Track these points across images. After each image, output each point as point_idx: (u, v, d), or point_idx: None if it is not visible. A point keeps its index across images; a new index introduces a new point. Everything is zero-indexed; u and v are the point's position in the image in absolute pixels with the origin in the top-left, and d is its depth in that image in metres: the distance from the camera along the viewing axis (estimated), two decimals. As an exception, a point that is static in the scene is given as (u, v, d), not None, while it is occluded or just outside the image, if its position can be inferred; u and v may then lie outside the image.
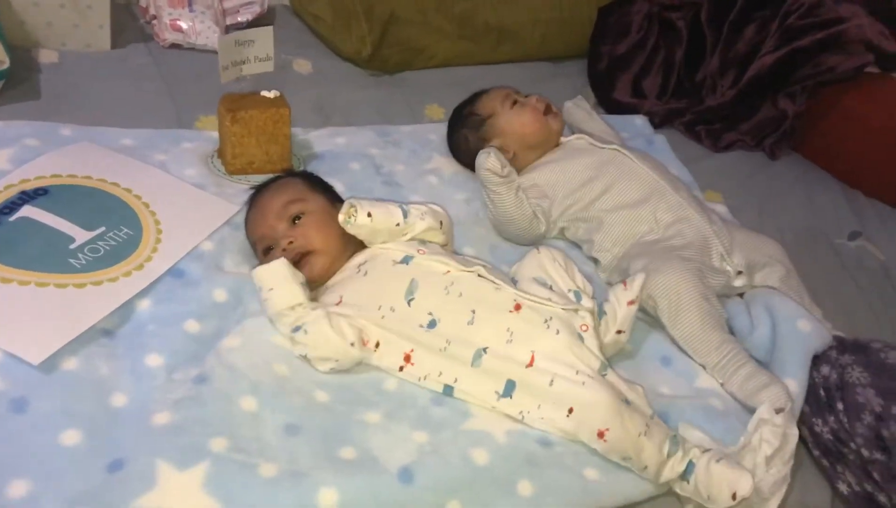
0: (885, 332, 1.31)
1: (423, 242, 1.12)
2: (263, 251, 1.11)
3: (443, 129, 1.50)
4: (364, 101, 1.63)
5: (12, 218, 1.08)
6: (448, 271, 1.05)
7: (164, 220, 1.16)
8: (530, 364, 0.97)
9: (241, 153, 1.30)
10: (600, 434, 0.92)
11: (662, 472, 0.94)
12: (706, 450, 0.96)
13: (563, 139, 1.44)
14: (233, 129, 1.27)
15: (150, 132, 1.37)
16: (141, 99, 1.47)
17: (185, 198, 1.22)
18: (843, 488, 1.04)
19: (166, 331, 1.00)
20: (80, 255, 1.05)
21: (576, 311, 1.03)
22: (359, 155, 1.43)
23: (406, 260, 1.07)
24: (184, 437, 0.87)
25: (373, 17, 1.70)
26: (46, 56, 1.51)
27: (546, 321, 1.01)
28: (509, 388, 0.97)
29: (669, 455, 0.94)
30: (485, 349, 0.98)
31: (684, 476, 0.95)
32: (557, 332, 1.00)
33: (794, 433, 1.00)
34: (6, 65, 1.35)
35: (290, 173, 1.25)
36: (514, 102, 1.41)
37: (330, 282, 1.09)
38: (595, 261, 1.32)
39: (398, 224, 1.09)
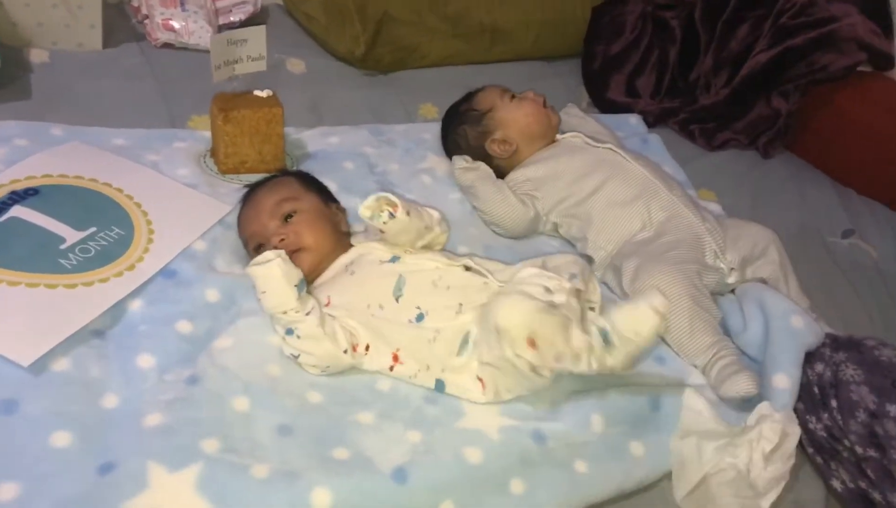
0: (879, 329, 1.31)
1: None
2: (255, 249, 1.11)
3: (437, 128, 1.50)
4: (357, 100, 1.63)
5: (2, 218, 1.07)
6: (436, 267, 1.06)
7: (156, 220, 1.15)
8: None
9: (234, 153, 1.29)
10: (531, 343, 0.89)
11: (593, 354, 0.90)
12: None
13: (558, 136, 1.44)
14: (225, 128, 1.27)
15: (142, 132, 1.36)
16: (133, 99, 1.46)
17: (177, 198, 1.21)
18: (836, 485, 1.04)
19: (158, 332, 1.00)
20: (70, 255, 1.05)
21: (556, 279, 1.03)
22: (352, 154, 1.42)
23: (394, 259, 1.07)
24: (175, 438, 0.86)
25: (366, 17, 1.70)
26: (37, 56, 1.51)
27: (514, 281, 1.02)
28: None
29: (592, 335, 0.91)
30: (469, 334, 0.99)
31: (606, 342, 0.91)
32: (522, 280, 1.01)
33: (796, 431, 1.00)
34: (-4, 64, 1.35)
35: (284, 173, 1.25)
36: (512, 97, 1.42)
37: (318, 282, 1.09)
38: (589, 259, 1.32)
39: (426, 226, 1.10)
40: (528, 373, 0.92)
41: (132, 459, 0.84)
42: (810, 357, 1.10)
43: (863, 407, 1.01)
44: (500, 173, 1.40)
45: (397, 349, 1.00)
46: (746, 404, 1.06)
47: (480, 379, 0.98)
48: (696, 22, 1.83)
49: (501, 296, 0.95)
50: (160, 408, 0.90)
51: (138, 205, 1.17)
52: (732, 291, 1.25)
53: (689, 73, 1.84)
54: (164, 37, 1.63)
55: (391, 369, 1.01)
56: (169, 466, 0.83)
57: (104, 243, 1.08)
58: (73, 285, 1.01)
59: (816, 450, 1.06)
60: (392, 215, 1.05)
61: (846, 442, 1.02)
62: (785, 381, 1.06)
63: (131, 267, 1.06)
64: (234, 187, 1.27)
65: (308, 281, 1.09)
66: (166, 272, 1.08)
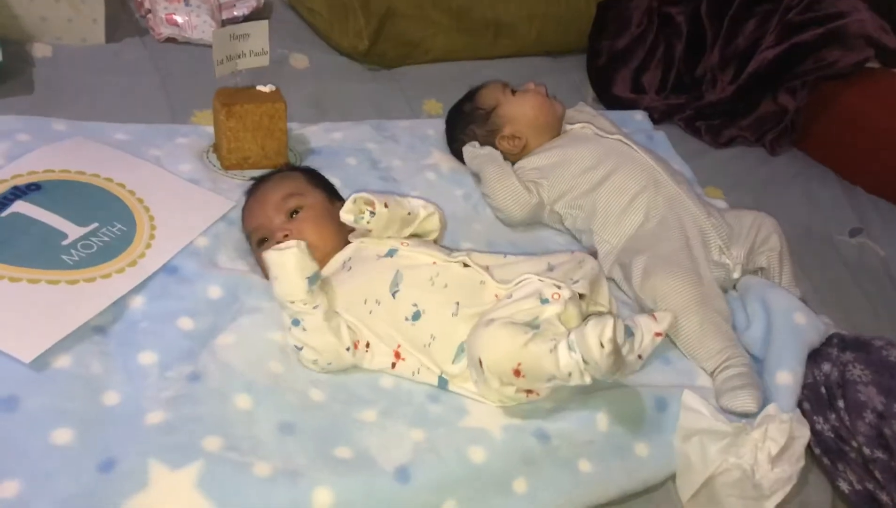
0: (886, 329, 1.30)
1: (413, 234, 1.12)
2: (258, 243, 1.10)
3: (441, 124, 1.49)
4: (361, 95, 1.62)
5: (4, 214, 1.07)
6: (434, 262, 1.05)
7: (159, 215, 1.14)
8: None
9: (237, 148, 1.29)
10: (516, 373, 0.89)
11: (559, 363, 0.87)
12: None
13: (567, 126, 1.44)
14: (228, 123, 1.26)
15: (145, 127, 1.35)
16: (135, 93, 1.45)
17: (179, 193, 1.21)
18: (844, 486, 1.03)
19: (160, 328, 0.99)
20: (72, 251, 1.04)
21: (556, 286, 0.99)
22: (356, 150, 1.42)
23: (391, 253, 1.06)
24: (177, 436, 0.86)
25: (369, 12, 1.69)
26: (40, 50, 1.50)
27: (511, 293, 1.00)
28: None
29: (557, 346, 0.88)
30: (464, 344, 0.97)
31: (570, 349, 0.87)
32: (515, 300, 0.97)
33: (805, 433, 1.00)
34: (-1, 59, 1.34)
35: (291, 168, 1.24)
36: (514, 91, 1.41)
37: None
38: (595, 252, 1.31)
39: (409, 213, 1.11)
40: (519, 397, 0.93)
41: (133, 457, 0.83)
42: (817, 357, 1.10)
43: (870, 408, 1.00)
44: (514, 161, 1.40)
45: (398, 346, 0.99)
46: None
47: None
48: (703, 17, 1.81)
49: (481, 328, 0.92)
50: (161, 405, 0.89)
51: (140, 201, 1.16)
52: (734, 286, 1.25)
53: (695, 69, 1.83)
54: (167, 31, 1.62)
55: (393, 366, 1.00)
56: (170, 464, 0.83)
57: (106, 238, 1.08)
58: (75, 282, 1.00)
59: (823, 451, 1.05)
60: (373, 213, 1.05)
61: (854, 443, 1.01)
62: (788, 378, 1.06)
63: (133, 263, 1.06)
64: (236, 183, 1.26)
65: None
66: (168, 269, 1.07)
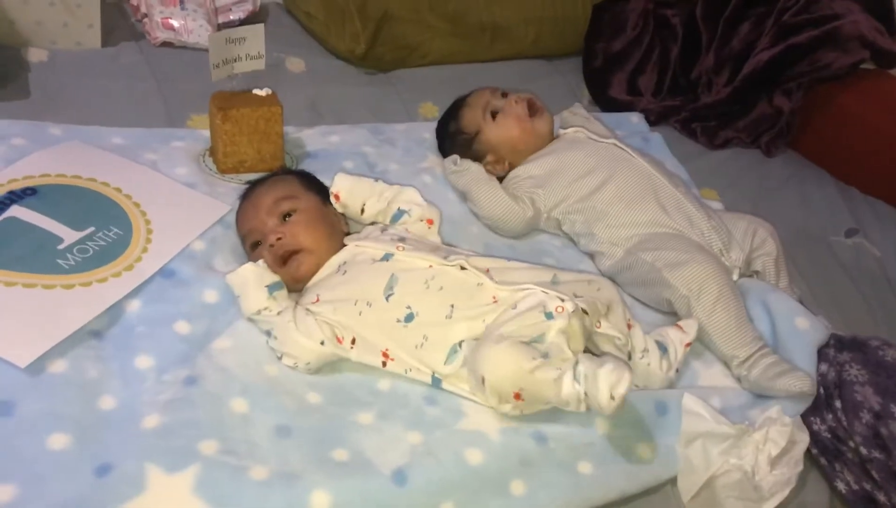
0: (883, 329, 1.30)
1: (403, 238, 1.10)
2: (251, 246, 1.10)
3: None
4: (357, 99, 1.62)
5: (0, 218, 1.06)
6: (430, 266, 1.04)
7: (155, 219, 1.14)
8: None
9: (233, 152, 1.29)
10: (517, 396, 0.90)
11: (561, 392, 0.88)
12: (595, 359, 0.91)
13: (561, 131, 1.43)
14: (224, 127, 1.26)
15: (141, 131, 1.35)
16: (131, 98, 1.45)
17: (175, 197, 1.21)
18: (841, 487, 1.03)
19: (156, 332, 0.99)
20: (68, 255, 1.04)
21: (560, 298, 0.98)
22: (352, 153, 1.41)
23: (386, 257, 1.06)
24: (173, 440, 0.86)
25: (366, 15, 1.69)
26: (36, 55, 1.50)
27: (515, 303, 0.98)
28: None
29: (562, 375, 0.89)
30: (460, 344, 0.97)
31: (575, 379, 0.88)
32: (520, 313, 0.96)
33: (805, 438, 1.00)
34: (-6, 64, 1.34)
35: (285, 171, 1.24)
36: (494, 113, 1.39)
37: (310, 282, 1.08)
38: (592, 257, 1.31)
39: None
40: (514, 412, 0.94)
41: (130, 461, 0.83)
42: (813, 357, 1.10)
43: (867, 408, 1.00)
44: (501, 178, 1.39)
45: (385, 349, 0.99)
46: (749, 404, 1.05)
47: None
48: (698, 20, 1.82)
49: (489, 345, 0.92)
50: (158, 409, 0.89)
51: (137, 205, 1.16)
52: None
53: (690, 71, 1.83)
54: (163, 35, 1.62)
55: (384, 364, 1.00)
56: (167, 468, 0.83)
57: (102, 243, 1.07)
58: (71, 286, 1.00)
59: (820, 451, 1.05)
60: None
61: (851, 444, 1.01)
62: None
63: (129, 267, 1.05)
64: (232, 187, 1.26)
65: (306, 282, 1.08)
66: (165, 272, 1.07)
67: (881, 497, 1.00)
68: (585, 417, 0.97)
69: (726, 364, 1.13)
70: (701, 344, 1.15)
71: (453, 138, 1.42)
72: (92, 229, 1.09)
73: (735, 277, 1.23)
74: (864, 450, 0.99)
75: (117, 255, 1.06)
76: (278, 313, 0.99)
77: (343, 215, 1.19)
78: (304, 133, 1.45)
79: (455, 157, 1.37)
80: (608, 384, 0.84)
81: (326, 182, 1.23)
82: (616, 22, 1.87)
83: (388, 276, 1.02)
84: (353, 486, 0.85)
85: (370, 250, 1.08)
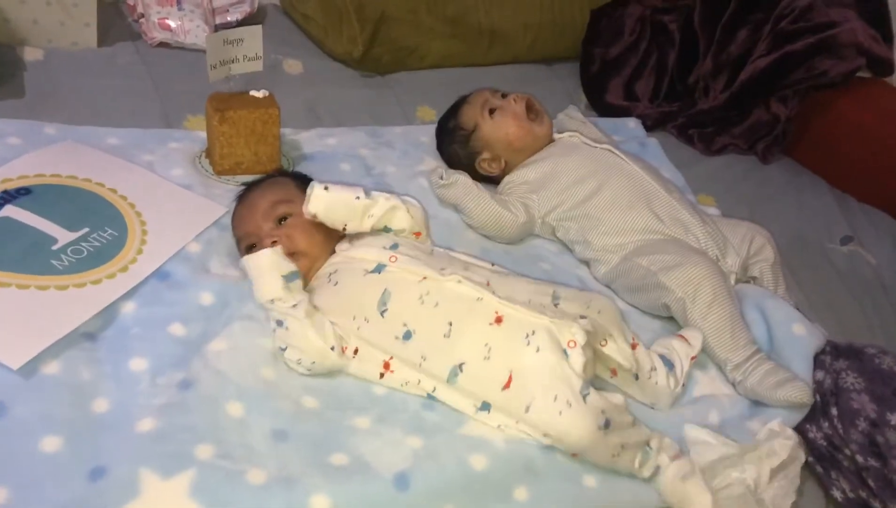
0: (879, 337, 1.30)
1: (395, 245, 1.07)
2: (246, 248, 1.09)
3: (434, 131, 1.48)
4: (355, 101, 1.62)
5: (-7, 218, 1.06)
6: (423, 279, 1.01)
7: (150, 221, 1.13)
8: (507, 386, 0.93)
9: (230, 154, 1.28)
10: (575, 455, 0.93)
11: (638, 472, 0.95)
12: (676, 457, 0.95)
13: (556, 135, 1.43)
14: (221, 129, 1.25)
15: (137, 132, 1.34)
16: (128, 98, 1.45)
17: (171, 199, 1.20)
18: (837, 494, 1.03)
19: (151, 334, 0.98)
20: (62, 256, 1.03)
21: (569, 327, 0.95)
22: (349, 156, 1.41)
23: (378, 269, 1.03)
24: (168, 444, 0.85)
25: (364, 17, 1.68)
26: (31, 54, 1.49)
27: (527, 335, 0.94)
28: (486, 406, 0.95)
29: (640, 465, 0.94)
30: (461, 367, 0.95)
31: (650, 479, 0.94)
32: (538, 349, 0.93)
33: (801, 456, 1.01)
34: (-11, 62, 1.33)
35: (281, 173, 1.24)
36: (492, 110, 1.39)
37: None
38: (587, 264, 1.31)
39: (357, 197, 1.06)
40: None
41: (124, 465, 0.82)
42: (810, 364, 1.10)
43: (863, 416, 1.00)
44: (497, 181, 1.39)
45: (390, 357, 0.98)
46: (747, 414, 1.05)
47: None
48: (695, 26, 1.82)
49: (552, 404, 0.91)
50: (152, 413, 0.88)
51: (132, 206, 1.15)
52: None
53: (687, 77, 1.83)
54: (160, 36, 1.61)
55: (381, 376, 0.98)
56: (162, 472, 0.82)
57: (97, 243, 1.07)
58: (65, 287, 0.99)
59: (816, 459, 1.05)
60: (326, 189, 1.04)
61: (847, 451, 1.01)
62: None
63: (124, 269, 1.05)
64: (229, 189, 1.25)
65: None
66: (160, 274, 1.06)
67: (877, 505, 0.99)
68: None
69: (720, 368, 1.12)
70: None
71: (451, 134, 1.42)
72: (86, 229, 1.08)
73: (731, 282, 1.23)
74: (860, 458, 0.99)
75: (112, 256, 1.06)
76: (293, 306, 0.98)
77: None
78: (302, 135, 1.45)
79: (440, 170, 1.36)
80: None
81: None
82: (614, 27, 1.88)
83: (381, 291, 1.00)
84: (354, 490, 0.84)
85: (361, 261, 1.05)
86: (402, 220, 1.10)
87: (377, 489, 0.85)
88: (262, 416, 0.91)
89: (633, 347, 1.04)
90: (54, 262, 1.02)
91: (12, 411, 0.85)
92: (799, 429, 1.05)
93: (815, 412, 1.05)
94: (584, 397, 0.91)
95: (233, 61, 1.27)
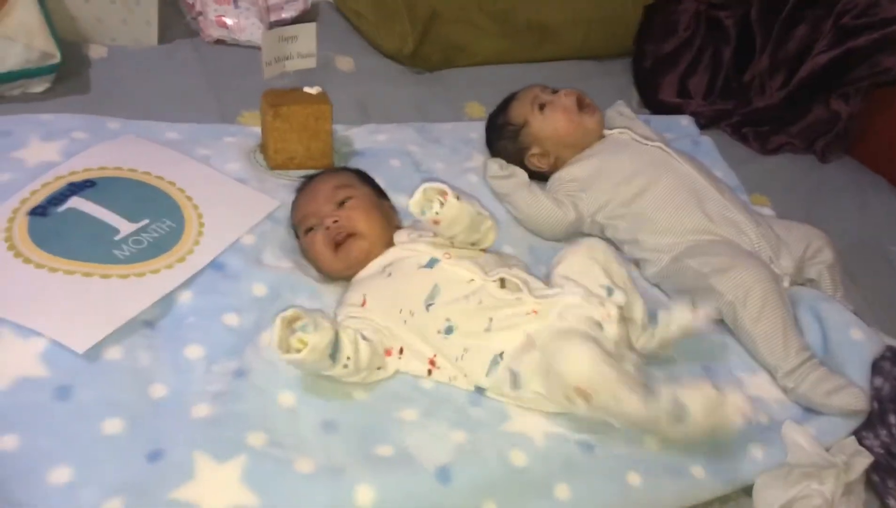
0: (942, 344, 1.26)
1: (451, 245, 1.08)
2: (305, 231, 1.11)
3: (483, 127, 1.49)
4: (405, 98, 1.63)
5: (61, 209, 1.10)
6: (472, 280, 1.03)
7: (207, 213, 1.17)
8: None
9: (283, 148, 1.31)
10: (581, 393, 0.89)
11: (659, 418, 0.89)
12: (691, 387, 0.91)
13: (606, 132, 1.42)
14: (275, 124, 1.28)
15: (194, 127, 1.38)
16: (186, 94, 1.49)
17: (227, 192, 1.23)
18: (893, 504, 1.00)
19: (206, 323, 1.01)
20: (124, 246, 1.07)
21: (601, 304, 0.98)
22: (399, 152, 1.42)
23: (431, 263, 1.04)
24: (222, 430, 0.88)
25: (415, 15, 1.69)
26: (96, 51, 1.54)
27: (561, 313, 0.97)
28: (515, 377, 0.95)
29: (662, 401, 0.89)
30: (501, 355, 0.97)
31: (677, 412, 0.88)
32: (564, 318, 0.96)
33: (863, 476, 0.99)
34: (57, 59, 1.38)
35: (341, 169, 1.26)
36: (542, 106, 1.38)
37: (356, 278, 1.09)
38: (636, 264, 1.30)
39: (479, 212, 1.04)
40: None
41: (180, 448, 0.85)
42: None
43: (924, 424, 0.97)
44: (546, 177, 1.39)
45: (434, 355, 1.00)
46: (799, 421, 1.03)
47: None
48: (752, 22, 1.78)
49: (566, 341, 0.91)
50: (207, 400, 0.91)
51: (189, 198, 1.19)
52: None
53: (743, 74, 1.79)
54: (216, 33, 1.65)
55: (429, 373, 1.00)
56: (215, 457, 0.84)
57: (156, 234, 1.10)
58: (126, 276, 1.03)
59: (873, 467, 1.02)
60: (442, 204, 1.00)
61: (906, 460, 0.98)
62: None
63: (182, 259, 1.08)
64: (282, 183, 1.28)
65: (356, 268, 1.09)
66: (215, 265, 1.09)
67: (936, 517, 0.96)
68: (635, 434, 0.96)
69: (771, 374, 1.10)
70: (746, 352, 1.13)
71: (501, 130, 1.42)
72: (147, 221, 1.12)
73: (785, 284, 1.20)
74: (919, 468, 0.96)
75: (170, 247, 1.09)
76: (344, 367, 0.93)
77: (394, 210, 1.20)
78: (352, 131, 1.47)
79: (500, 161, 1.36)
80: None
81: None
82: (667, 23, 1.84)
83: (432, 286, 1.02)
84: (398, 482, 0.85)
85: (417, 255, 1.07)
86: (492, 237, 1.09)
87: (420, 481, 0.86)
88: (313, 407, 0.93)
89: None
90: (116, 252, 1.06)
91: (77, 393, 0.89)
92: (855, 436, 1.03)
93: (873, 420, 1.03)
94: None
95: (287, 58, 1.29)
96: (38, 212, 1.09)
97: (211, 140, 1.35)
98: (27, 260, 1.02)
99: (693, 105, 1.76)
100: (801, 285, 1.24)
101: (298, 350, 0.89)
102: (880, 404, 1.03)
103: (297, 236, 1.15)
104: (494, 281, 1.03)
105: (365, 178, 1.20)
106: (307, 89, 1.32)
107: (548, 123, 1.37)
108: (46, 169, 1.18)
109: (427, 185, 1.01)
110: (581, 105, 1.39)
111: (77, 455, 0.83)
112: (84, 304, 0.98)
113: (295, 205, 1.17)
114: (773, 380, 1.10)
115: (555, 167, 1.39)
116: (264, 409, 0.91)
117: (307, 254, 1.13)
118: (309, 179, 1.19)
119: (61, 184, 1.15)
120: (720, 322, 1.17)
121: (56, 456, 0.83)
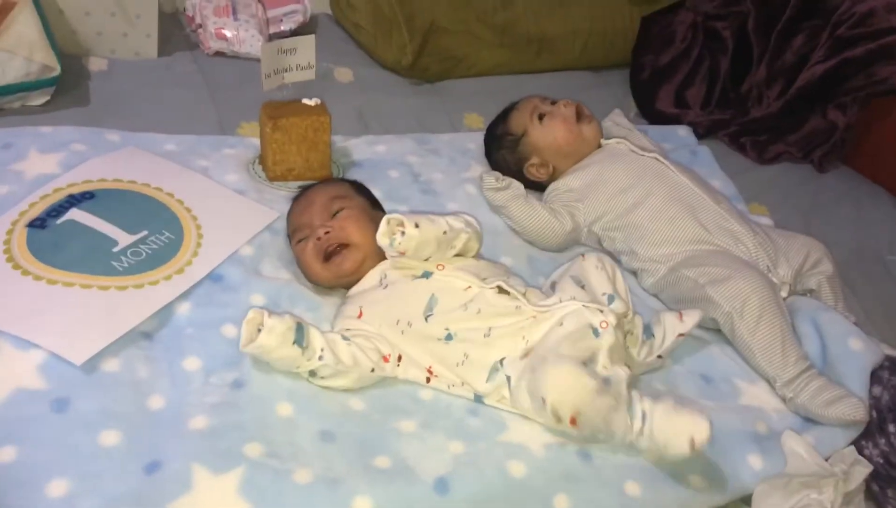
0: (941, 353, 1.25)
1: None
2: (298, 241, 1.12)
3: (481, 138, 1.49)
4: (404, 109, 1.64)
5: (60, 221, 1.11)
6: (468, 288, 1.03)
7: (205, 224, 1.17)
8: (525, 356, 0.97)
9: (282, 160, 1.31)
10: (573, 423, 0.89)
11: (627, 437, 0.90)
12: (659, 400, 0.92)
13: (603, 142, 1.42)
14: (274, 136, 1.28)
15: (193, 138, 1.39)
16: (185, 106, 1.50)
17: (225, 203, 1.23)
18: (894, 514, 1.00)
19: (204, 335, 1.01)
20: (122, 258, 1.07)
21: (600, 310, 0.99)
22: (397, 163, 1.43)
23: (426, 275, 1.05)
24: (219, 442, 0.87)
25: (413, 26, 1.71)
26: (96, 64, 1.55)
27: (560, 320, 0.99)
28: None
29: (632, 419, 0.90)
30: (501, 362, 0.97)
31: (641, 433, 0.90)
32: (561, 324, 0.98)
33: (863, 485, 0.99)
34: (57, 72, 1.39)
35: (337, 180, 1.27)
36: (542, 116, 1.39)
37: (352, 291, 1.09)
38: (634, 274, 1.30)
39: (445, 232, 1.05)
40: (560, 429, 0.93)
41: (177, 460, 0.85)
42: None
43: (923, 433, 0.97)
44: (544, 187, 1.39)
45: (430, 365, 1.00)
46: (798, 430, 1.03)
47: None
48: (749, 32, 1.79)
49: (550, 363, 0.91)
50: (205, 411, 0.91)
51: (188, 210, 1.19)
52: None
53: (740, 84, 1.80)
54: (216, 45, 1.66)
55: (427, 380, 1.00)
56: (213, 469, 0.84)
57: (155, 246, 1.11)
58: (125, 287, 1.03)
59: (872, 477, 1.02)
60: (403, 233, 1.01)
61: (905, 470, 0.98)
62: None
63: (180, 271, 1.08)
64: (281, 194, 1.28)
65: (349, 279, 1.09)
66: (213, 276, 1.09)
67: (936, 527, 0.96)
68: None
69: (770, 384, 1.10)
70: (744, 361, 1.13)
71: (500, 140, 1.42)
72: (145, 232, 1.12)
73: (784, 294, 1.20)
74: (918, 477, 0.96)
75: (169, 258, 1.09)
76: (319, 358, 0.94)
77: None
78: (351, 142, 1.47)
79: (496, 173, 1.36)
80: (687, 432, 0.87)
81: (373, 191, 1.24)
82: (665, 34, 1.85)
83: (429, 296, 1.02)
84: (395, 493, 0.85)
85: (410, 267, 1.07)
86: (473, 247, 1.11)
87: (418, 493, 0.86)
88: (310, 417, 0.93)
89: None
90: (115, 263, 1.06)
91: (74, 405, 0.89)
92: (854, 446, 1.02)
93: (872, 429, 1.02)
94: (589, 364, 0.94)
95: (286, 70, 1.30)
96: (37, 224, 1.10)
97: (210, 152, 1.36)
98: (26, 272, 1.02)
99: (690, 115, 1.77)
100: (802, 295, 1.24)
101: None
102: (879, 413, 1.03)
103: (290, 244, 1.16)
104: (492, 288, 1.03)
105: (360, 189, 1.21)
106: (306, 101, 1.33)
107: (547, 134, 1.38)
108: (46, 181, 1.18)
109: (389, 216, 1.03)
110: (580, 115, 1.40)
111: (75, 467, 0.83)
112: (82, 316, 0.98)
113: (290, 214, 1.18)
114: (772, 389, 1.10)
115: (553, 177, 1.39)
116: (262, 420, 0.91)
117: (298, 264, 1.14)
118: (304, 190, 1.19)
119: (60, 196, 1.15)
120: (718, 332, 1.18)
121: (54, 468, 0.83)
